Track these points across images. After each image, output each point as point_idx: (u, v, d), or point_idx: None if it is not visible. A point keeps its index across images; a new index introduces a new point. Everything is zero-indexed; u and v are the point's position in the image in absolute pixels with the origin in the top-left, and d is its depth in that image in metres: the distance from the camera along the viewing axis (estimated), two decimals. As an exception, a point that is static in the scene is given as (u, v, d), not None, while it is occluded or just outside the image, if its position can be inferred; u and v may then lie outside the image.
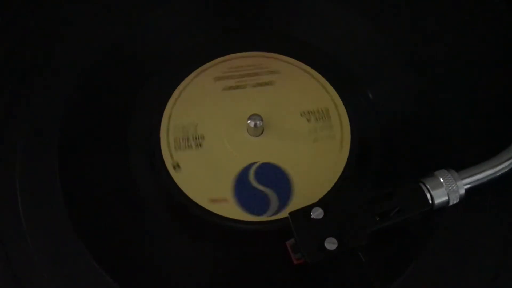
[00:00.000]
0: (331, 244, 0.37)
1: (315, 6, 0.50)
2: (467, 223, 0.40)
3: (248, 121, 0.43)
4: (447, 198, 0.39)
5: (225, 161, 0.43)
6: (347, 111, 0.45)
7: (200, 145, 0.44)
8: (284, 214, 0.41)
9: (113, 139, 0.45)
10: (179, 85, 0.46)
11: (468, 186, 0.39)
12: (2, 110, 0.45)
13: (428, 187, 0.39)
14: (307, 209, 0.38)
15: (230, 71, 0.47)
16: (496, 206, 0.41)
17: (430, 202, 0.39)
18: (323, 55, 0.48)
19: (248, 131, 0.44)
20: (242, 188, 0.42)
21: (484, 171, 0.40)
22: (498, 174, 0.40)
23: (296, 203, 0.41)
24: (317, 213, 0.38)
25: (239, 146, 0.44)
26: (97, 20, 0.49)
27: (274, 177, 0.43)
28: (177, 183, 0.43)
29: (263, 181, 0.42)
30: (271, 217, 0.41)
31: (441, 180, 0.39)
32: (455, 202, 0.39)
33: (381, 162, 0.44)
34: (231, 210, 0.41)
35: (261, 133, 0.44)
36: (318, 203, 0.38)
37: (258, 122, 0.43)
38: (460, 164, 0.40)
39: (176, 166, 0.43)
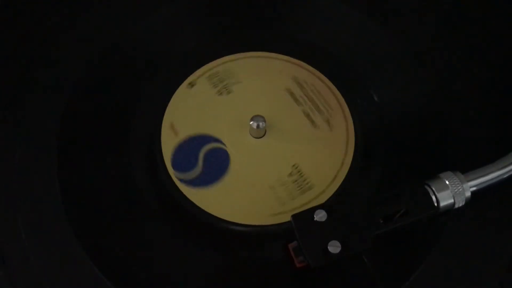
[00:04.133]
0: (334, 247, 0.36)
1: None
2: (474, 227, 0.40)
3: (251, 122, 0.42)
4: (452, 200, 0.38)
5: (215, 119, 0.44)
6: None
7: (226, 88, 0.46)
8: (187, 192, 0.41)
9: (115, 131, 0.45)
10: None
11: (474, 188, 0.38)
12: (1, 110, 0.44)
13: (434, 189, 0.38)
14: (310, 211, 0.37)
15: None
16: (503, 210, 0.40)
17: (436, 204, 0.38)
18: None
19: (251, 132, 0.43)
20: (192, 143, 0.43)
21: (490, 173, 0.39)
22: (505, 176, 0.39)
23: (202, 192, 0.41)
24: (320, 216, 0.37)
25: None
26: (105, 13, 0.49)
27: (219, 165, 0.42)
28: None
29: (208, 159, 0.42)
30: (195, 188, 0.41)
31: (447, 182, 0.38)
32: (461, 205, 0.38)
33: (386, 166, 0.43)
34: (169, 144, 0.43)
35: (264, 135, 0.44)
36: (321, 206, 0.38)
37: (260, 124, 0.42)
38: (466, 165, 0.39)
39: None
